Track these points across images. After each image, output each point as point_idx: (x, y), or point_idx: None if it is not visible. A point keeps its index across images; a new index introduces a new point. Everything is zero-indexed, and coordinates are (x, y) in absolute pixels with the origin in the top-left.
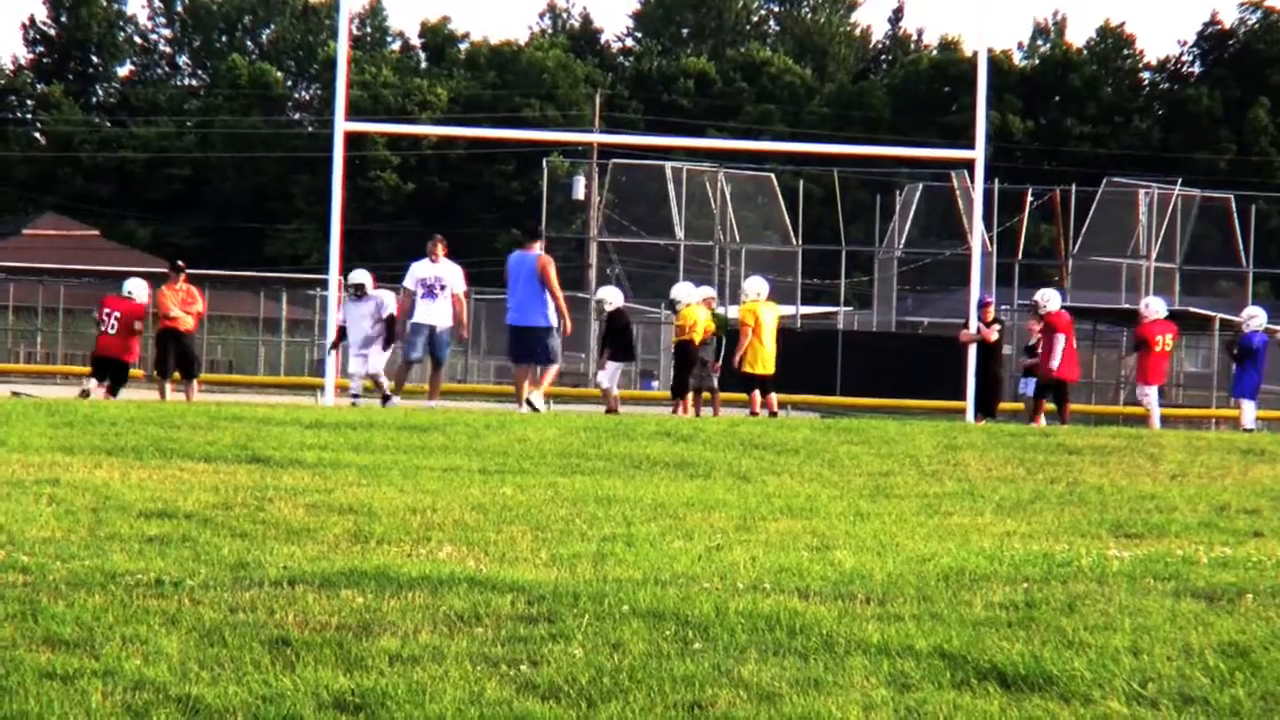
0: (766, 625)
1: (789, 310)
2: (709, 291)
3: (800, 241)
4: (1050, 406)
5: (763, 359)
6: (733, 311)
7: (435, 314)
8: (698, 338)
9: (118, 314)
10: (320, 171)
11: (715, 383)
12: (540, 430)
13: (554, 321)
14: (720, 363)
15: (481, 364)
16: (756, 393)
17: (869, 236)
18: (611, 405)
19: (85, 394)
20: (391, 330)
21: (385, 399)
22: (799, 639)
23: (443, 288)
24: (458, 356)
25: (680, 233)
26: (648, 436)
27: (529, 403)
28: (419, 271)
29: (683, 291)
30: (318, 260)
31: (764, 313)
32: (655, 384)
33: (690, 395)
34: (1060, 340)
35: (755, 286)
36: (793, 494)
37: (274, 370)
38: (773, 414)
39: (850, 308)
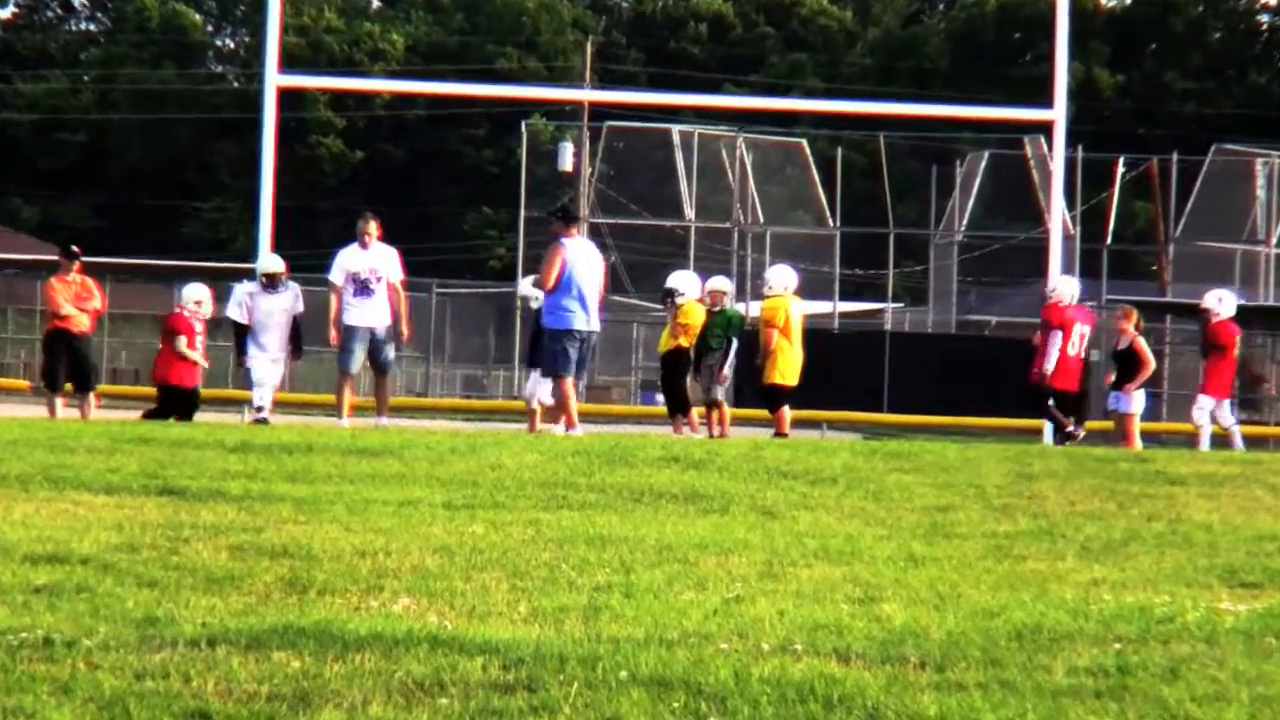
0: (798, 696)
1: (823, 308)
2: (724, 284)
3: (838, 222)
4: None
5: (793, 367)
6: (753, 309)
7: (372, 314)
8: (688, 342)
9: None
10: (248, 137)
11: (719, 394)
12: (518, 455)
13: (553, 323)
14: (726, 371)
15: (446, 373)
16: (785, 409)
17: (923, 216)
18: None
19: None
20: (299, 336)
21: (258, 417)
22: (838, 713)
23: (379, 280)
24: (416, 364)
25: (690, 212)
26: (651, 463)
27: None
28: (348, 263)
29: (685, 281)
30: (245, 245)
31: (794, 310)
32: (660, 397)
33: (694, 411)
34: (1056, 339)
35: (782, 277)
36: (829, 533)
37: None
38: (781, 434)
39: (900, 304)
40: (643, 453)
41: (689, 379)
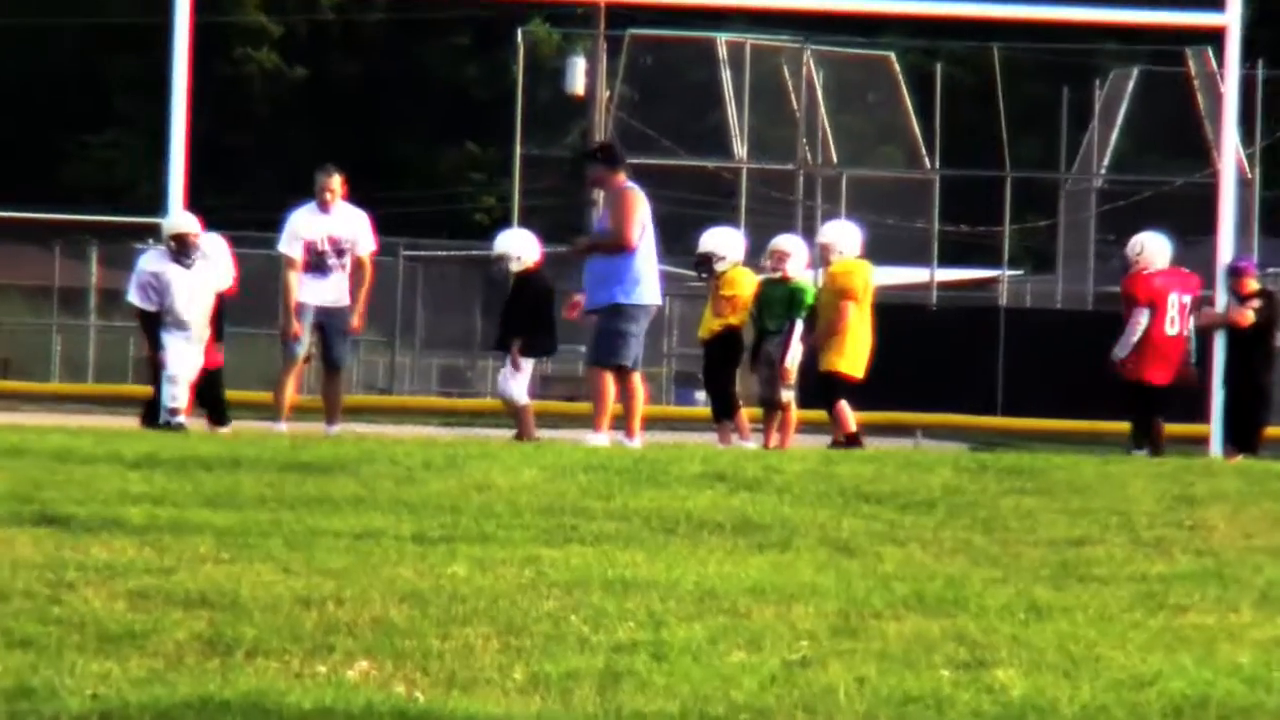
0: None
1: (916, 276)
2: (790, 243)
3: (938, 163)
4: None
5: (863, 354)
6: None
7: (327, 291)
8: (739, 320)
9: None
10: (153, 49)
11: (786, 395)
12: (512, 471)
13: (630, 297)
14: (790, 361)
15: (418, 363)
16: (843, 405)
17: (1049, 155)
18: (524, 430)
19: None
20: (222, 317)
21: (170, 421)
22: None
23: (341, 252)
24: (379, 351)
25: (741, 150)
26: (689, 481)
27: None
28: (302, 228)
29: (723, 240)
30: (150, 194)
31: (872, 279)
32: (700, 396)
33: (743, 413)
34: (1142, 317)
35: (846, 235)
36: (924, 575)
37: (78, 373)
38: (851, 439)
39: (1019, 271)
40: (678, 468)
41: (741, 370)
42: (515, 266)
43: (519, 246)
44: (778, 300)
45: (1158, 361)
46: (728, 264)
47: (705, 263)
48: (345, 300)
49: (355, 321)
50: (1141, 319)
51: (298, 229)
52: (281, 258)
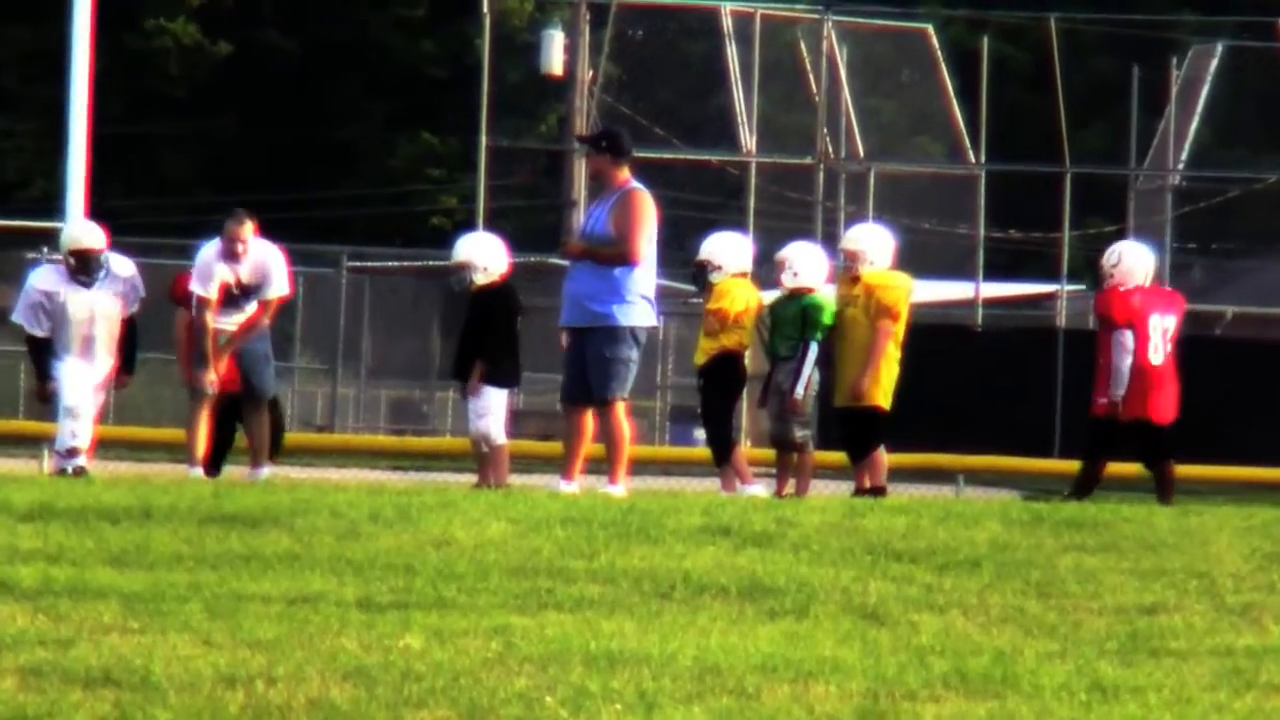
0: None
1: (957, 291)
2: (804, 254)
3: (983, 156)
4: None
5: (892, 381)
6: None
7: (243, 317)
8: (736, 342)
9: None
10: (48, 21)
11: (800, 433)
12: (477, 524)
13: (629, 318)
14: (801, 391)
15: (364, 395)
16: (882, 452)
17: (1117, 147)
18: (495, 474)
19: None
20: (134, 344)
21: (68, 465)
22: None
23: (250, 296)
24: (317, 380)
25: (749, 140)
26: (687, 535)
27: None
28: (213, 270)
29: (723, 247)
30: (45, 192)
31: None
32: (700, 434)
33: (739, 451)
34: (1125, 341)
35: (876, 241)
36: (968, 648)
37: None
38: (878, 490)
39: (1080, 285)
40: (674, 520)
41: (751, 404)
42: (479, 279)
43: (484, 255)
44: (788, 319)
45: (1154, 394)
46: (724, 274)
47: (701, 272)
48: (261, 329)
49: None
50: (1127, 343)
51: (206, 270)
52: (194, 298)
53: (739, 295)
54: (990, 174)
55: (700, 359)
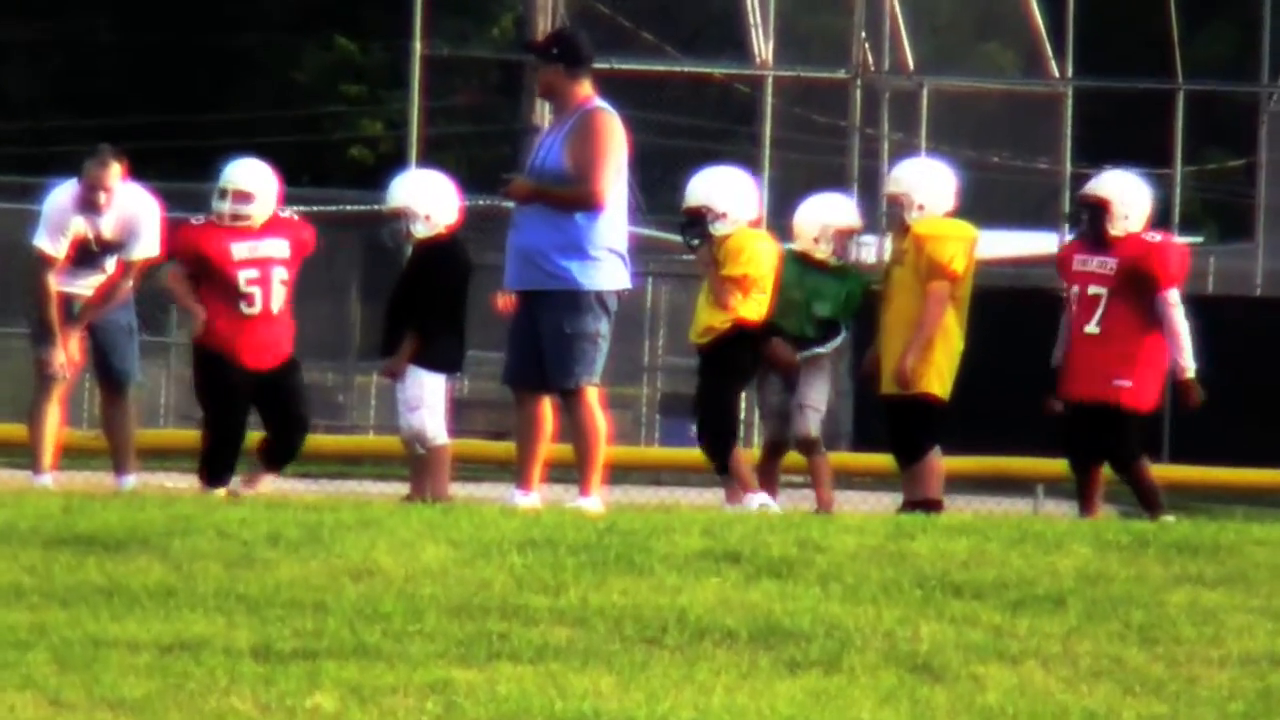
0: None
1: (1036, 242)
2: (835, 208)
3: (1070, 69)
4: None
5: (953, 365)
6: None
7: (101, 280)
8: (753, 315)
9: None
10: None
11: (817, 429)
12: (410, 550)
13: (595, 280)
14: (817, 393)
15: None
16: (937, 455)
17: (1242, 59)
18: (432, 483)
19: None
20: None
21: None
22: None
23: (112, 253)
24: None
25: (764, 48)
26: (682, 563)
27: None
28: (66, 221)
29: (719, 188)
30: None
31: (974, 250)
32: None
33: (739, 453)
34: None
35: (930, 180)
36: (1050, 709)
37: None
38: (932, 503)
39: (1196, 238)
40: (665, 543)
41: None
42: (420, 230)
43: (428, 200)
44: (825, 290)
45: (1079, 370)
46: (729, 225)
47: (696, 224)
48: (123, 297)
49: (95, 310)
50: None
51: (56, 220)
52: (35, 253)
53: (761, 253)
54: (1079, 92)
55: (702, 335)
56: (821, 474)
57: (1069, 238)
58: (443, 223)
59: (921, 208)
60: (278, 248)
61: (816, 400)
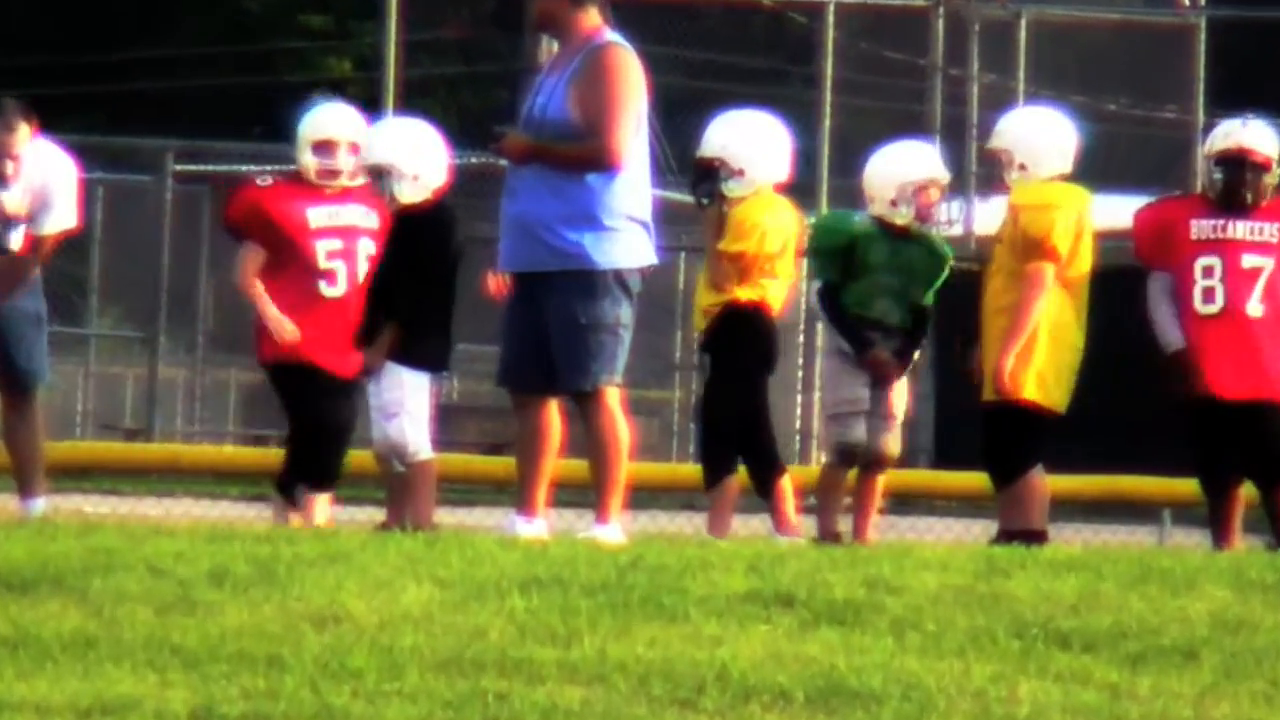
0: None
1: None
2: (921, 160)
3: None
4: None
5: (1069, 365)
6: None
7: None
8: (771, 298)
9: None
10: None
11: (897, 444)
12: (387, 591)
13: (612, 256)
14: (899, 403)
15: (204, 379)
16: (1040, 475)
17: None
18: (414, 507)
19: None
20: None
21: None
22: None
23: (17, 227)
24: (131, 358)
25: None
26: (723, 607)
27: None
28: None
29: (743, 140)
30: None
31: (1089, 221)
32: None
33: (783, 480)
34: (1160, 288)
35: (1037, 134)
36: None
37: None
38: (1031, 534)
39: None
40: (703, 582)
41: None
42: (405, 193)
43: (414, 156)
44: (915, 268)
45: (1217, 363)
46: (745, 186)
47: (708, 178)
48: (32, 275)
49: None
50: (1161, 289)
51: None
52: None
53: (771, 229)
54: (1214, 23)
55: (701, 320)
56: (873, 498)
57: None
58: (430, 186)
59: (1023, 168)
60: (363, 216)
61: (899, 408)
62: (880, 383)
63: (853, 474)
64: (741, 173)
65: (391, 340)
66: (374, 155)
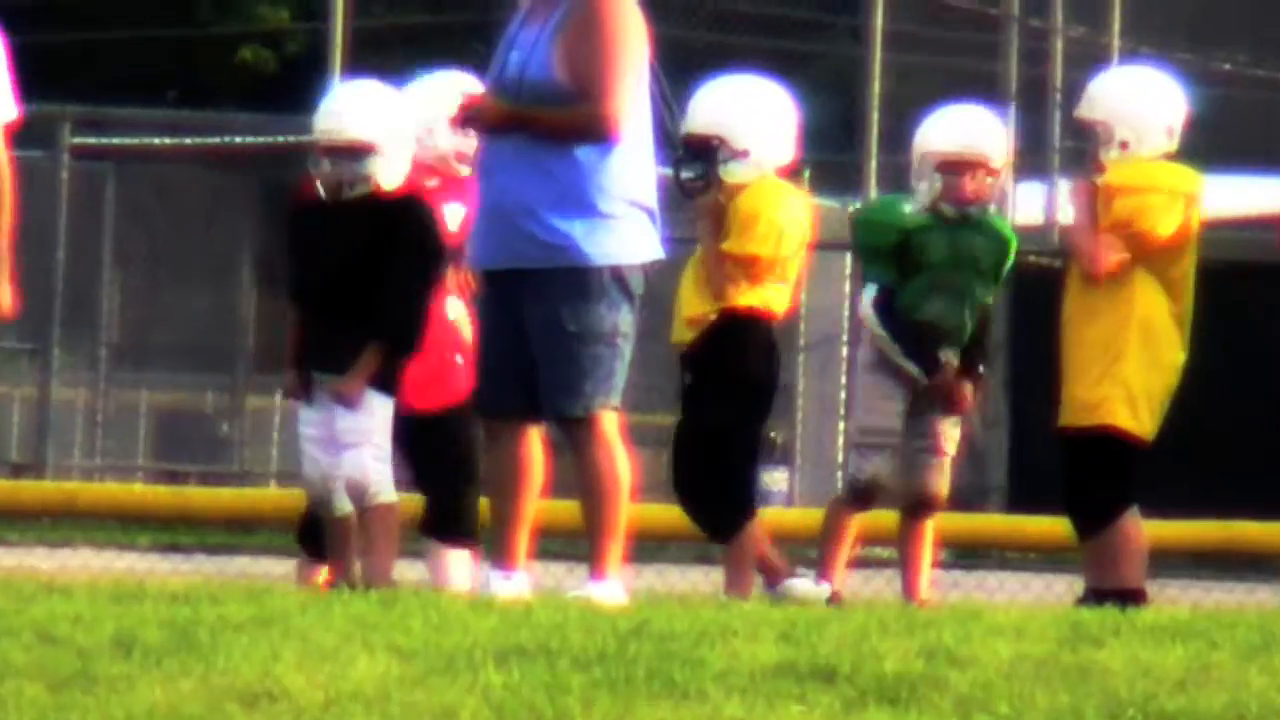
0: None
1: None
2: (936, 129)
3: None
4: None
5: (1165, 386)
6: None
7: None
8: (775, 304)
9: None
10: None
11: (934, 482)
12: (330, 664)
13: (609, 249)
14: (951, 430)
15: (110, 398)
16: (1134, 518)
17: None
18: (372, 557)
19: None
20: None
21: None
22: None
23: None
24: (18, 374)
25: None
26: (748, 681)
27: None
28: None
29: (743, 113)
30: None
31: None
32: (781, 471)
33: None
34: None
35: (1137, 101)
36: None
37: None
38: (1127, 594)
39: None
40: (724, 652)
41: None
42: (384, 176)
43: (396, 130)
44: (975, 258)
45: None
46: (749, 169)
47: (700, 158)
48: None
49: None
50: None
51: None
52: None
53: (786, 225)
54: None
55: (683, 331)
56: (923, 547)
57: None
58: (401, 171)
59: (1125, 145)
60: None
61: (950, 438)
62: (947, 409)
63: (887, 520)
64: (744, 154)
65: (376, 359)
66: (344, 129)
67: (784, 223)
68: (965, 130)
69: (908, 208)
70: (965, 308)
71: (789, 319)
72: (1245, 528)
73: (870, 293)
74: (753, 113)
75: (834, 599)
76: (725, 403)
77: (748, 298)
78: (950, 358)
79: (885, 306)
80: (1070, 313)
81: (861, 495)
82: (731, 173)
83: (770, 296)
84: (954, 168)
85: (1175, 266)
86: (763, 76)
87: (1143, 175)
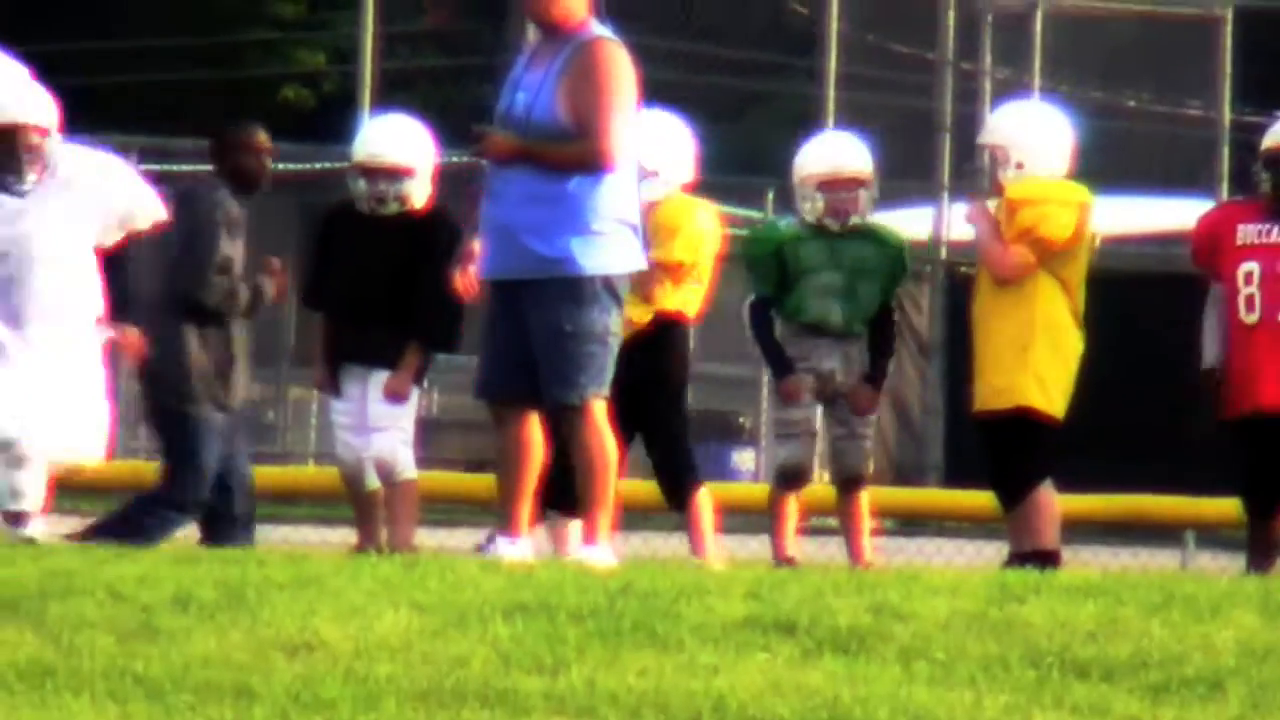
0: None
1: (1187, 212)
2: (811, 154)
3: None
4: None
5: (1068, 372)
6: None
7: None
8: (691, 307)
9: None
10: None
11: (865, 462)
12: (361, 618)
13: (601, 261)
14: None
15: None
16: (1048, 491)
17: None
18: (395, 527)
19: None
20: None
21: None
22: None
23: None
24: None
25: None
26: (720, 634)
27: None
28: None
29: (645, 140)
30: None
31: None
32: (749, 451)
33: (703, 498)
34: (1214, 299)
35: (1037, 129)
36: None
37: None
38: (1045, 555)
39: None
40: (698, 607)
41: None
42: (418, 195)
43: (426, 155)
44: (868, 268)
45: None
46: (661, 188)
47: None
48: None
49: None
50: (1213, 301)
51: None
52: None
53: (703, 233)
54: (1242, 13)
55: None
56: (860, 518)
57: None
58: (430, 189)
59: (1021, 166)
60: None
61: (867, 425)
62: (854, 409)
63: (828, 495)
64: (654, 174)
65: (418, 359)
66: (385, 155)
67: (700, 234)
68: (837, 152)
69: (783, 224)
70: (852, 310)
71: None
72: (1146, 500)
73: (748, 302)
74: (658, 140)
75: (789, 562)
76: (661, 396)
77: (672, 300)
78: (832, 361)
79: (755, 313)
80: (981, 312)
81: (788, 479)
82: (648, 191)
83: (688, 300)
84: (831, 186)
85: (1071, 267)
86: (664, 109)
87: (1040, 190)
